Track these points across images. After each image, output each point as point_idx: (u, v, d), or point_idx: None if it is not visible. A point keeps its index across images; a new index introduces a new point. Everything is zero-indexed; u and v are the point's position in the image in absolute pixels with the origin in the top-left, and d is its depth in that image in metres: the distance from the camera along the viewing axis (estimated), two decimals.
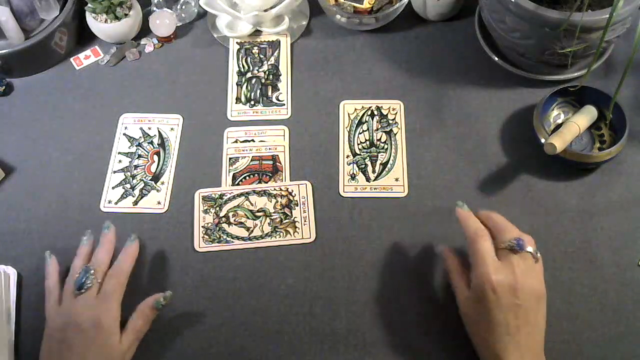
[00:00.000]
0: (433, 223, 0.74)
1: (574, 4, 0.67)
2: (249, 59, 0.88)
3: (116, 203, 0.77)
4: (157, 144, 0.82)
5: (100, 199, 0.78)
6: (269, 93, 0.85)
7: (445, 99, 0.83)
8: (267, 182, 0.78)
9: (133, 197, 0.78)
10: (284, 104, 0.84)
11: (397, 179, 0.77)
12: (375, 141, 0.80)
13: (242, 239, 0.74)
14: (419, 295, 0.70)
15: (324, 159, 0.79)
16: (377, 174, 0.78)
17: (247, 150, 0.80)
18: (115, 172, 0.80)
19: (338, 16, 0.87)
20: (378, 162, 0.79)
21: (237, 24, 0.89)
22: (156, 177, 0.79)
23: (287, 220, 0.75)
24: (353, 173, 0.78)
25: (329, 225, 0.75)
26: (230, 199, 0.77)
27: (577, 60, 0.78)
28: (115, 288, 0.65)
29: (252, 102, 0.84)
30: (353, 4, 0.86)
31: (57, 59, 0.89)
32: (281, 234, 0.74)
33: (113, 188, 0.79)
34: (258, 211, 0.76)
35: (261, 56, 0.88)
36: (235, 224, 0.75)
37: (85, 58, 0.90)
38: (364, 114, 0.82)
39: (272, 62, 0.87)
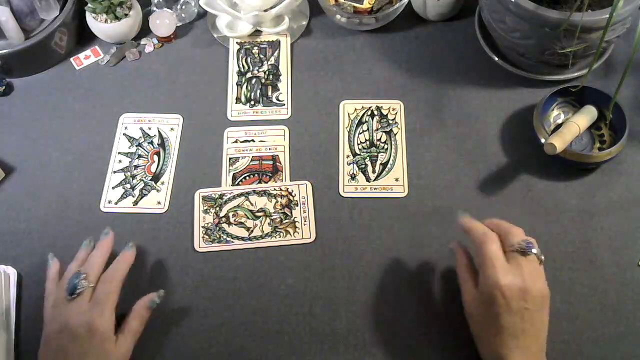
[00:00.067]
0: (433, 223, 0.74)
1: (574, 4, 0.67)
2: (249, 59, 0.88)
3: (116, 203, 0.77)
4: (157, 144, 0.82)
5: (100, 199, 0.78)
6: (269, 93, 0.85)
7: (445, 99, 0.83)
8: (267, 182, 0.78)
9: (133, 197, 0.78)
10: (284, 104, 0.84)
11: (397, 179, 0.77)
12: (375, 141, 0.80)
13: (242, 239, 0.74)
14: (419, 295, 0.70)
15: (324, 159, 0.79)
16: (377, 174, 0.78)
17: (247, 150, 0.80)
18: (115, 172, 0.80)
19: (338, 16, 0.87)
20: (378, 162, 0.79)
21: (237, 24, 0.89)
22: (156, 177, 0.79)
23: (287, 220, 0.75)
24: (353, 173, 0.78)
25: (329, 225, 0.75)
26: (230, 199, 0.77)
27: (577, 60, 0.78)
28: (109, 293, 0.63)
29: (252, 102, 0.84)
30: (353, 4, 0.86)
31: (57, 59, 0.89)
32: (281, 234, 0.74)
33: (113, 188, 0.79)
34: (258, 211, 0.76)
35: (261, 56, 0.88)
36: (235, 224, 0.75)
37: (85, 58, 0.90)
38: (364, 114, 0.82)
39: (272, 62, 0.88)
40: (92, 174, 0.80)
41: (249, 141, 0.81)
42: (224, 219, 0.75)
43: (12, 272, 0.72)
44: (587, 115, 0.76)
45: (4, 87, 0.86)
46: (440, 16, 0.89)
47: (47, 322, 0.63)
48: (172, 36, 0.90)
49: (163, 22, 0.88)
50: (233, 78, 0.87)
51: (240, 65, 0.87)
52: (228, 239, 0.74)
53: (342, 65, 0.87)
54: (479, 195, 0.76)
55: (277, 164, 0.79)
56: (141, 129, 0.83)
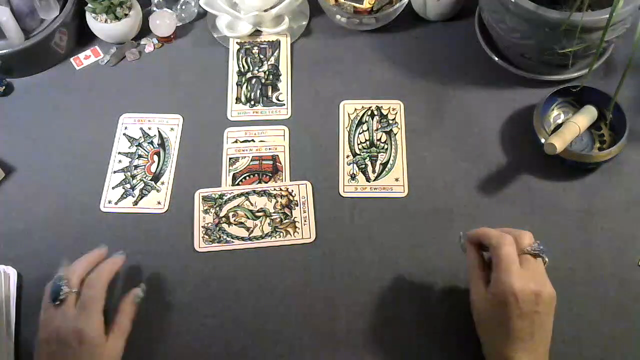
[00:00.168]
0: (433, 223, 0.74)
1: (574, 4, 0.67)
2: (249, 59, 0.88)
3: (116, 203, 0.77)
4: (157, 144, 0.82)
5: (100, 199, 0.78)
6: (269, 93, 0.85)
7: (445, 99, 0.83)
8: (267, 182, 0.78)
9: (133, 197, 0.78)
10: (284, 104, 0.84)
11: (397, 179, 0.77)
12: (375, 141, 0.80)
13: (242, 239, 0.74)
14: (419, 296, 0.70)
15: (324, 159, 0.79)
16: (377, 174, 0.78)
17: (247, 150, 0.80)
18: (115, 172, 0.80)
19: (338, 16, 0.87)
20: (378, 162, 0.79)
21: (237, 24, 0.89)
22: (156, 177, 0.79)
23: (287, 220, 0.75)
24: (353, 173, 0.78)
25: (329, 225, 0.75)
26: (230, 199, 0.77)
27: (577, 60, 0.78)
28: (94, 298, 0.61)
29: (252, 102, 0.84)
30: (353, 4, 0.86)
31: (57, 59, 0.89)
32: (281, 234, 0.74)
33: (113, 188, 0.79)
34: (258, 211, 0.76)
35: (261, 56, 0.88)
36: (235, 224, 0.75)
37: (85, 58, 0.90)
38: (364, 114, 0.82)
39: (272, 62, 0.88)
40: (92, 174, 0.80)
41: (249, 141, 0.81)
42: (224, 219, 0.75)
43: (12, 272, 0.72)
44: (587, 115, 0.76)
45: (4, 87, 0.86)
46: (440, 16, 0.89)
47: (40, 327, 0.62)
48: (172, 36, 0.90)
49: (163, 22, 0.88)
50: (233, 78, 0.87)
51: (240, 65, 0.87)
52: (228, 239, 0.74)
53: (342, 65, 0.87)
54: (479, 195, 0.76)
55: (277, 164, 0.79)
56: (141, 129, 0.83)
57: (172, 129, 0.83)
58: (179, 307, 0.70)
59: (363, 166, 0.78)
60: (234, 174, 0.79)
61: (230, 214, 0.76)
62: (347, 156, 0.79)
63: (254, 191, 0.77)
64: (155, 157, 0.81)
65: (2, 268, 0.72)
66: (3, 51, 0.83)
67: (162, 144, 0.82)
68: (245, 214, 0.76)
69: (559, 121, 0.79)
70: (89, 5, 0.85)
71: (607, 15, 0.66)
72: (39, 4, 0.84)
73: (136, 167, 0.80)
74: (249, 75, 0.87)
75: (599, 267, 0.70)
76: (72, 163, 0.81)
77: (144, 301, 0.66)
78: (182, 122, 0.83)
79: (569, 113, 0.80)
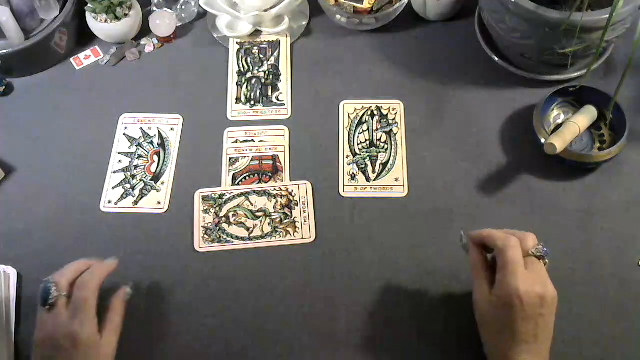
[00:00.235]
0: (433, 223, 0.74)
1: (574, 4, 0.67)
2: (249, 59, 0.88)
3: (116, 203, 0.77)
4: (157, 144, 0.82)
5: (100, 199, 0.78)
6: (269, 93, 0.85)
7: (445, 99, 0.83)
8: (267, 182, 0.78)
9: (133, 197, 0.78)
10: (284, 104, 0.84)
11: (397, 179, 0.77)
12: (375, 141, 0.80)
13: (242, 239, 0.74)
14: (419, 296, 0.70)
15: (324, 159, 0.79)
16: (377, 174, 0.78)
17: (247, 150, 0.80)
18: (115, 172, 0.80)
19: (338, 16, 0.87)
20: (378, 162, 0.79)
21: (237, 24, 0.89)
22: (156, 177, 0.79)
23: (287, 220, 0.75)
24: (353, 173, 0.78)
25: (329, 225, 0.74)
26: (230, 199, 0.77)
27: (577, 60, 0.78)
28: (86, 300, 0.60)
29: (252, 102, 0.84)
30: (353, 4, 0.86)
31: (57, 59, 0.89)
32: (281, 234, 0.74)
33: (113, 188, 0.79)
34: (258, 211, 0.76)
35: (261, 56, 0.88)
36: (235, 224, 0.75)
37: (85, 58, 0.90)
38: (364, 114, 0.82)
39: (272, 62, 0.87)
40: (92, 174, 0.80)
41: (249, 141, 0.81)
42: (224, 219, 0.75)
43: (12, 272, 0.72)
44: (587, 115, 0.76)
45: (4, 87, 0.86)
46: (440, 16, 0.89)
47: (36, 329, 0.62)
48: (172, 36, 0.90)
49: (163, 22, 0.88)
50: (233, 78, 0.87)
51: (240, 65, 0.87)
52: (228, 239, 0.74)
53: (342, 65, 0.87)
54: (479, 195, 0.76)
55: (277, 164, 0.79)
56: (141, 129, 0.83)
57: (172, 129, 0.83)
58: (179, 307, 0.70)
59: (363, 166, 0.78)
60: (234, 174, 0.79)
61: (230, 214, 0.76)
62: (347, 156, 0.79)
63: (254, 191, 0.77)
64: (155, 157, 0.81)
65: (2, 268, 0.72)
66: (3, 51, 0.83)
67: (162, 144, 0.82)
68: (245, 214, 0.76)
69: (559, 121, 0.79)
70: (89, 5, 0.85)
71: (607, 15, 0.66)
72: (39, 4, 0.84)
73: (136, 167, 0.80)
74: (249, 75, 0.87)
75: (599, 267, 0.70)
76: (72, 163, 0.81)
77: (142, 300, 0.67)
78: (182, 122, 0.83)
79: (569, 113, 0.80)
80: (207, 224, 0.75)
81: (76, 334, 0.59)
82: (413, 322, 0.68)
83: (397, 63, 0.86)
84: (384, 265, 0.72)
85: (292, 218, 0.75)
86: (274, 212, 0.76)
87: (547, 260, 0.61)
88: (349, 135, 0.81)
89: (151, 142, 0.82)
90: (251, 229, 0.75)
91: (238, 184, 0.78)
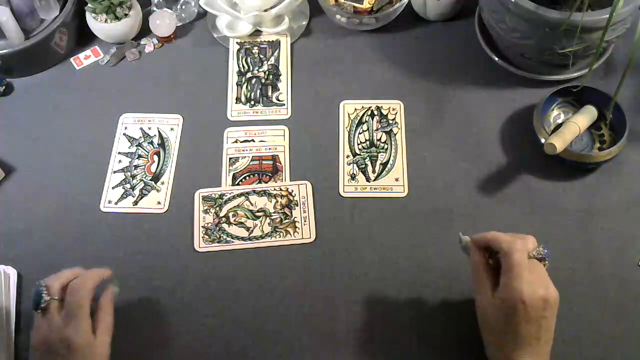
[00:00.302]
0: (433, 223, 0.74)
1: (574, 4, 0.67)
2: (249, 59, 0.88)
3: (116, 203, 0.77)
4: (157, 144, 0.82)
5: (100, 199, 0.78)
6: (269, 93, 0.85)
7: (445, 99, 0.83)
8: (267, 182, 0.78)
9: (133, 197, 0.78)
10: (284, 104, 0.84)
11: (397, 179, 0.77)
12: (375, 141, 0.80)
13: (242, 239, 0.74)
14: (419, 295, 0.70)
15: (324, 159, 0.79)
16: (377, 174, 0.78)
17: (247, 150, 0.80)
18: (115, 172, 0.80)
19: (338, 16, 0.87)
20: (378, 162, 0.79)
21: (237, 24, 0.89)
22: (156, 177, 0.79)
23: (287, 220, 0.75)
24: (353, 173, 0.78)
25: (329, 225, 0.74)
26: (230, 199, 0.77)
27: (577, 60, 0.78)
28: (79, 305, 0.60)
29: (252, 102, 0.84)
30: (353, 4, 0.86)
31: (57, 59, 0.89)
32: (281, 234, 0.74)
33: (113, 188, 0.79)
34: (258, 211, 0.76)
35: (261, 56, 0.88)
36: (235, 224, 0.75)
37: (85, 58, 0.90)
38: (364, 114, 0.82)
39: (272, 62, 0.88)
40: (92, 174, 0.80)
41: (249, 141, 0.81)
42: (224, 219, 0.75)
43: (12, 272, 0.72)
44: (587, 115, 0.76)
45: (4, 87, 0.86)
46: (440, 16, 0.89)
47: (32, 332, 0.62)
48: (172, 36, 0.90)
49: (163, 22, 0.88)
50: (233, 78, 0.87)
51: (240, 65, 0.87)
52: (228, 239, 0.74)
53: (342, 65, 0.87)
54: (479, 195, 0.76)
55: (277, 164, 0.79)
56: (141, 129, 0.83)
57: (172, 129, 0.83)
58: (179, 307, 0.70)
59: (363, 166, 0.78)
60: (234, 174, 0.79)
61: (230, 214, 0.76)
62: (347, 156, 0.79)
63: (254, 191, 0.77)
64: (155, 157, 0.81)
65: (2, 268, 0.72)
66: (3, 51, 0.83)
67: (162, 144, 0.82)
68: (245, 214, 0.76)
69: (559, 121, 0.79)
70: (89, 5, 0.85)
71: (607, 15, 0.66)
72: (39, 4, 0.84)
73: (136, 167, 0.80)
74: (249, 75, 0.87)
75: (599, 267, 0.70)
76: (72, 163, 0.81)
77: (142, 300, 0.67)
78: (182, 122, 0.83)
79: (569, 113, 0.80)
80: (207, 224, 0.75)
81: (71, 339, 0.58)
82: (413, 322, 0.68)
83: (397, 63, 0.86)
84: (384, 265, 0.72)
85: (292, 218, 0.75)
86: (274, 212, 0.76)
87: (547, 262, 0.61)
88: (349, 135, 0.81)
89: (151, 142, 0.82)
90: (251, 229, 0.75)
91: (238, 184, 0.78)
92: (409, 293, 0.70)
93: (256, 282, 0.71)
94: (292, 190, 0.77)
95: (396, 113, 0.82)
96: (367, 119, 0.82)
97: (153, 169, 0.80)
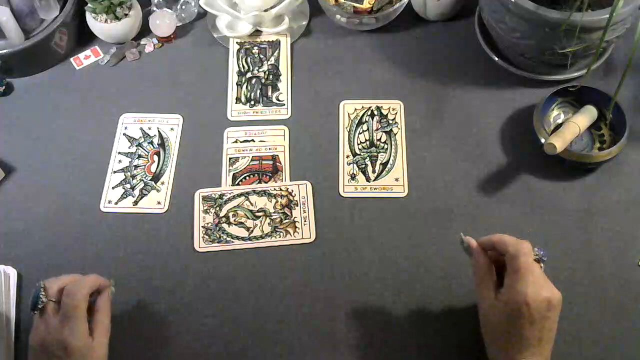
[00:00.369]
0: (433, 223, 0.74)
1: (574, 4, 0.67)
2: (249, 59, 0.88)
3: (116, 203, 0.77)
4: (157, 144, 0.82)
5: (100, 199, 0.78)
6: (269, 93, 0.85)
7: (445, 99, 0.83)
8: (267, 182, 0.78)
9: (133, 197, 0.78)
10: (284, 104, 0.84)
11: (397, 179, 0.77)
12: (375, 141, 0.80)
13: (242, 239, 0.74)
14: (419, 295, 0.70)
15: (324, 159, 0.79)
16: (377, 174, 0.78)
17: (247, 150, 0.80)
18: (115, 172, 0.80)
19: (338, 16, 0.87)
20: (378, 162, 0.79)
21: (237, 24, 0.89)
22: (156, 177, 0.79)
23: (287, 220, 0.75)
24: (353, 173, 0.78)
25: (329, 225, 0.75)
26: (230, 199, 0.77)
27: (577, 60, 0.78)
28: (75, 307, 0.59)
29: (252, 102, 0.84)
30: (353, 4, 0.86)
31: (57, 59, 0.89)
32: (281, 234, 0.74)
33: (113, 188, 0.79)
34: (258, 211, 0.76)
35: (261, 56, 0.88)
36: (235, 224, 0.75)
37: (85, 58, 0.90)
38: (364, 114, 0.82)
39: (272, 62, 0.88)
40: (92, 174, 0.80)
41: (249, 141, 0.81)
42: (224, 219, 0.75)
43: (12, 272, 0.72)
44: (587, 115, 0.76)
45: (4, 87, 0.86)
46: (440, 16, 0.89)
47: (31, 333, 0.61)
48: (172, 36, 0.90)
49: (163, 22, 0.88)
50: (233, 78, 0.87)
51: (240, 65, 0.87)
52: (228, 239, 0.74)
53: (342, 65, 0.87)
54: (479, 195, 0.76)
55: (277, 164, 0.79)
56: (141, 129, 0.83)
57: (172, 129, 0.83)
58: (179, 307, 0.70)
59: (363, 166, 0.78)
60: (234, 174, 0.79)
61: (230, 214, 0.76)
62: (347, 156, 0.79)
63: (254, 191, 0.77)
64: (155, 157, 0.81)
65: (2, 268, 0.72)
66: (3, 51, 0.83)
67: (162, 144, 0.82)
68: (245, 214, 0.76)
69: (559, 121, 0.79)
70: (89, 5, 0.85)
71: (607, 15, 0.66)
72: (39, 4, 0.84)
73: (136, 167, 0.80)
74: (249, 75, 0.87)
75: (599, 267, 0.70)
76: (72, 163, 0.81)
77: (142, 300, 0.67)
78: (182, 122, 0.83)
79: (569, 113, 0.79)
80: (207, 224, 0.75)
81: (67, 342, 0.58)
82: (412, 322, 0.68)
83: (397, 63, 0.86)
84: (384, 265, 0.72)
85: (292, 218, 0.75)
86: (274, 212, 0.76)
87: (542, 264, 0.61)
88: (349, 135, 0.81)
89: (151, 142, 0.82)
90: (251, 229, 0.75)
91: (238, 184, 0.78)
92: (409, 293, 0.70)
93: (256, 282, 0.71)
94: (292, 190, 0.77)
95: (396, 113, 0.82)
96: (367, 119, 0.82)
97: (153, 169, 0.80)
